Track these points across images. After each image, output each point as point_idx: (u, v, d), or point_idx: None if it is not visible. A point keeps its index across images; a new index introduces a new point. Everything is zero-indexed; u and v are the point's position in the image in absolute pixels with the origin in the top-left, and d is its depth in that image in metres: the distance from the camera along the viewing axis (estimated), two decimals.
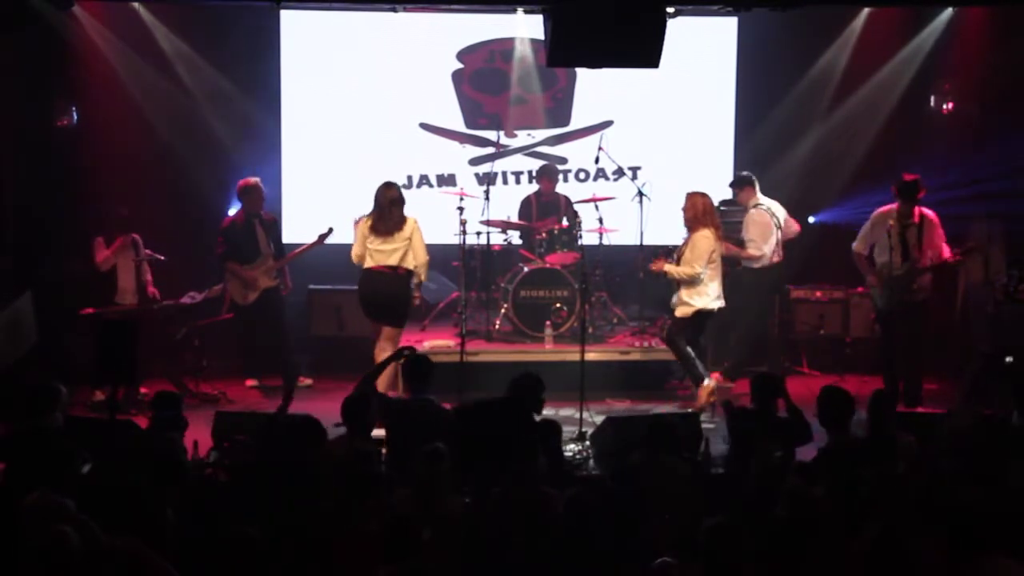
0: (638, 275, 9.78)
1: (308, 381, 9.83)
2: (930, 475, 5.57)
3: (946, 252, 8.84)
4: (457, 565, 4.91)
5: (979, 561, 4.46)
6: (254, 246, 9.57)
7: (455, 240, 9.77)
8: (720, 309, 8.97)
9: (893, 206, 8.83)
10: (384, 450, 6.62)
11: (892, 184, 8.84)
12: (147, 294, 9.43)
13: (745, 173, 9.78)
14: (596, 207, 10.23)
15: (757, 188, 9.62)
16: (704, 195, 8.96)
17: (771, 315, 10.14)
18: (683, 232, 8.97)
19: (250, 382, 9.78)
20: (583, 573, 4.88)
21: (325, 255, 10.29)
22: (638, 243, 9.66)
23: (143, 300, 9.39)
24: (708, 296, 8.85)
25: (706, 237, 8.78)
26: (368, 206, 8.64)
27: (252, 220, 9.58)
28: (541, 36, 8.41)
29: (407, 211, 8.58)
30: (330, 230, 9.64)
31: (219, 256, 9.57)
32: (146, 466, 5.22)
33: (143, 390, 8.87)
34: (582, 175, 11.25)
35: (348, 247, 10.15)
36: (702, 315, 8.90)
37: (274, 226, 9.83)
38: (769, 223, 9.48)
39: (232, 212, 9.80)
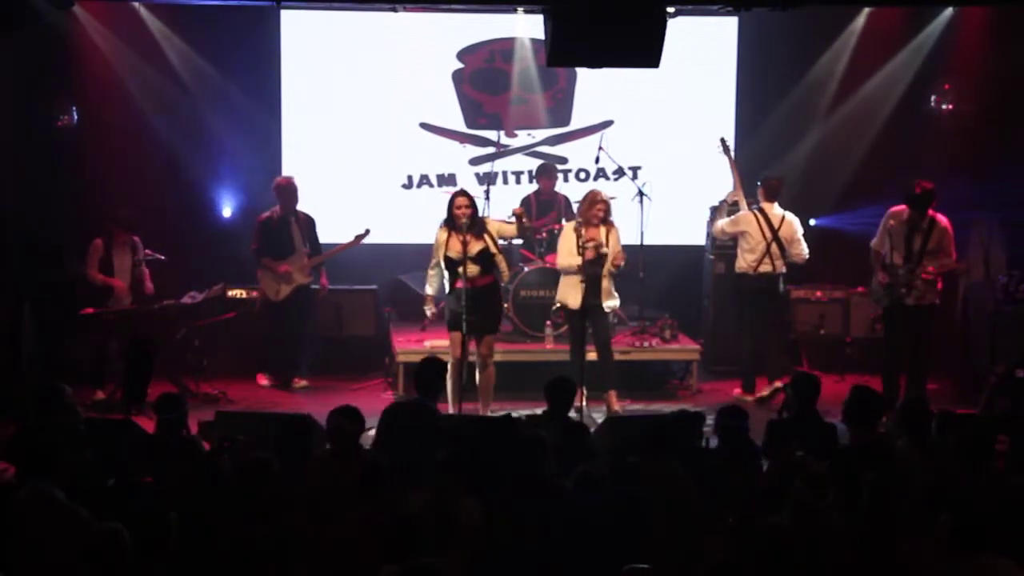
0: (638, 275, 9.77)
1: (304, 382, 9.85)
2: (929, 474, 5.57)
3: (954, 259, 8.79)
4: (465, 565, 4.90)
5: (975, 559, 4.46)
6: (288, 242, 9.69)
7: None
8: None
9: (905, 207, 8.79)
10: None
11: (904, 188, 8.74)
12: (144, 292, 9.39)
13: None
14: None
15: (759, 193, 9.61)
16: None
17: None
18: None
19: (263, 379, 9.81)
20: (584, 573, 4.89)
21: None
22: (638, 243, 9.64)
23: (139, 301, 9.37)
24: None
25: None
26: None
27: (288, 217, 9.70)
28: (541, 36, 8.40)
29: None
30: (367, 231, 9.83)
31: (254, 251, 9.71)
32: (154, 466, 5.22)
33: None
34: (582, 175, 11.25)
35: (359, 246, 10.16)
36: None
37: (310, 225, 9.90)
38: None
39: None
